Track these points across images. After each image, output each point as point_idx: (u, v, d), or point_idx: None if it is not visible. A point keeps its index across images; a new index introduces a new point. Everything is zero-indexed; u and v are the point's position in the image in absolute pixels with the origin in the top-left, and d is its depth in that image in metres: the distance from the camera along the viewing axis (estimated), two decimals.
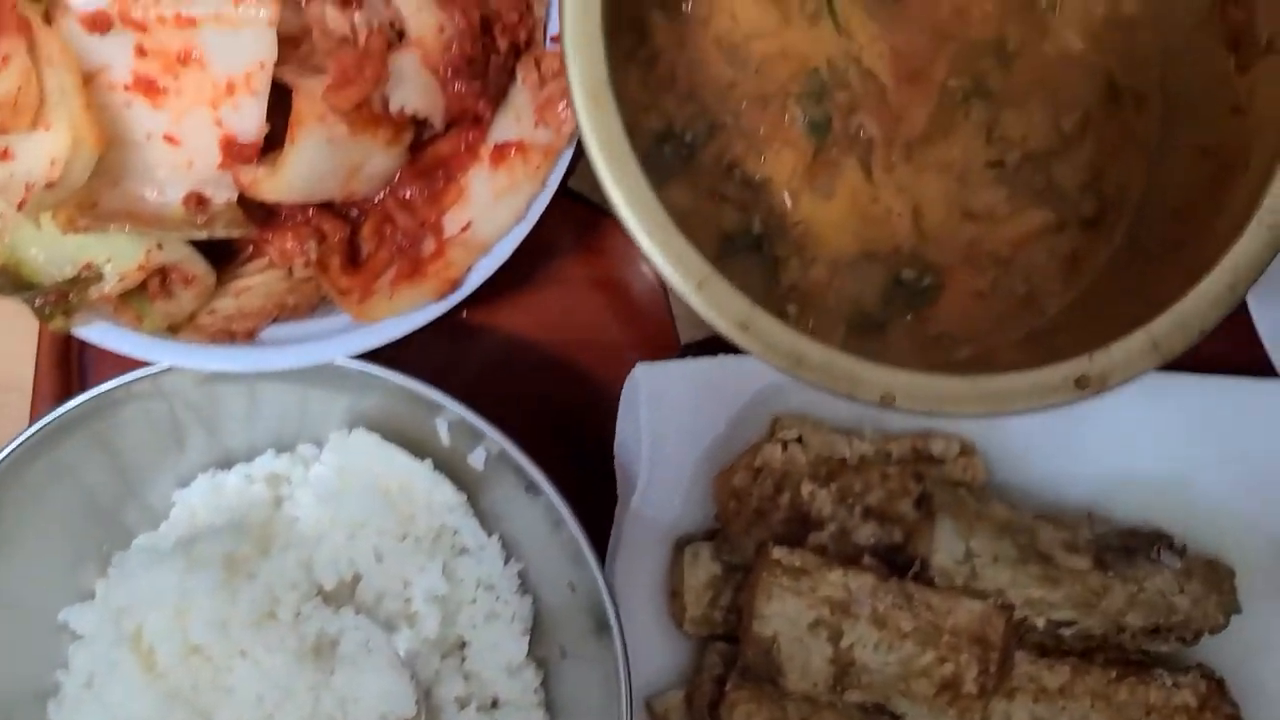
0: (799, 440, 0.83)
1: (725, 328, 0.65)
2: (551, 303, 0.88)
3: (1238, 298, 0.67)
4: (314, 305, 0.75)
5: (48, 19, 0.64)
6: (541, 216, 0.74)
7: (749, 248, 0.81)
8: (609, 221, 0.87)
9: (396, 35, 0.69)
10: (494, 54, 0.71)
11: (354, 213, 0.75)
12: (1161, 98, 0.82)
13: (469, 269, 0.72)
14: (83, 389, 0.77)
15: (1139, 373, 0.67)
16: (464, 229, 0.71)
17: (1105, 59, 0.82)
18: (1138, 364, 0.67)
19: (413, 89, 0.68)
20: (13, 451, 0.75)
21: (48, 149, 0.65)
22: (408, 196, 0.72)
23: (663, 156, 0.80)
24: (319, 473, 0.81)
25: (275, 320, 0.74)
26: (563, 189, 0.78)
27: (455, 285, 0.71)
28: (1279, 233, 0.67)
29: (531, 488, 0.75)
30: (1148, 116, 0.82)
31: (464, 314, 0.89)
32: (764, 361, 0.65)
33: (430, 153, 0.73)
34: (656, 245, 0.65)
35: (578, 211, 0.86)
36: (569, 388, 0.88)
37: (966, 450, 0.85)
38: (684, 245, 0.65)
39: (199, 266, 0.71)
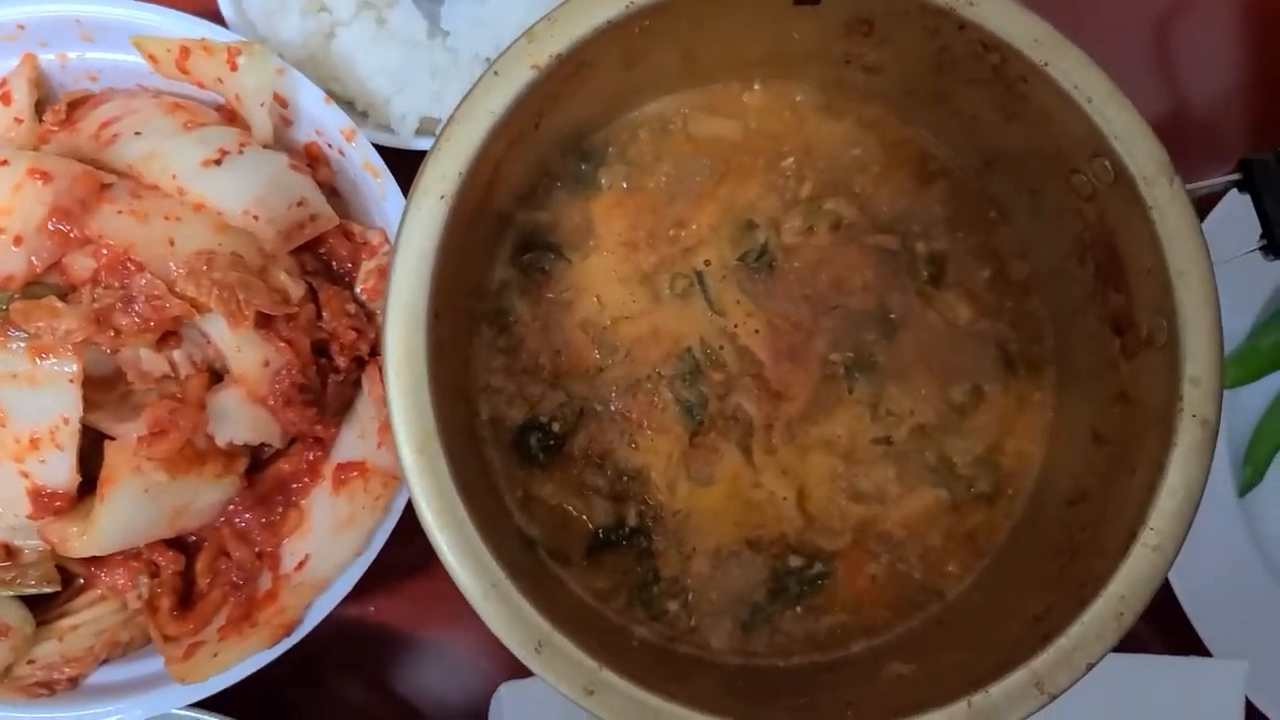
0: None
1: (569, 694, 0.60)
2: (420, 593, 0.83)
3: (1125, 626, 0.63)
4: (149, 637, 0.70)
5: None
6: None
7: (622, 542, 0.76)
8: None
9: (223, 368, 0.65)
10: (333, 373, 0.66)
11: (191, 539, 0.70)
12: (1057, 370, 0.78)
13: (306, 608, 0.66)
14: None
15: (1023, 716, 0.62)
16: (300, 564, 0.66)
17: (995, 326, 0.79)
18: (1021, 707, 0.62)
19: (239, 423, 0.64)
20: None
21: None
22: (243, 525, 0.67)
23: (529, 448, 0.76)
24: None
25: (104, 662, 0.69)
26: None
27: (291, 629, 0.66)
28: (1164, 555, 0.63)
29: None
30: (1043, 387, 0.78)
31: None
32: None
33: (271, 473, 0.69)
34: (488, 603, 0.60)
35: None
36: (443, 690, 0.83)
37: None
38: (522, 603, 0.61)
39: (15, 616, 0.66)
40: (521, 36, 0.64)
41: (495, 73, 0.64)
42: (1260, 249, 0.69)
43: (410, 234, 0.62)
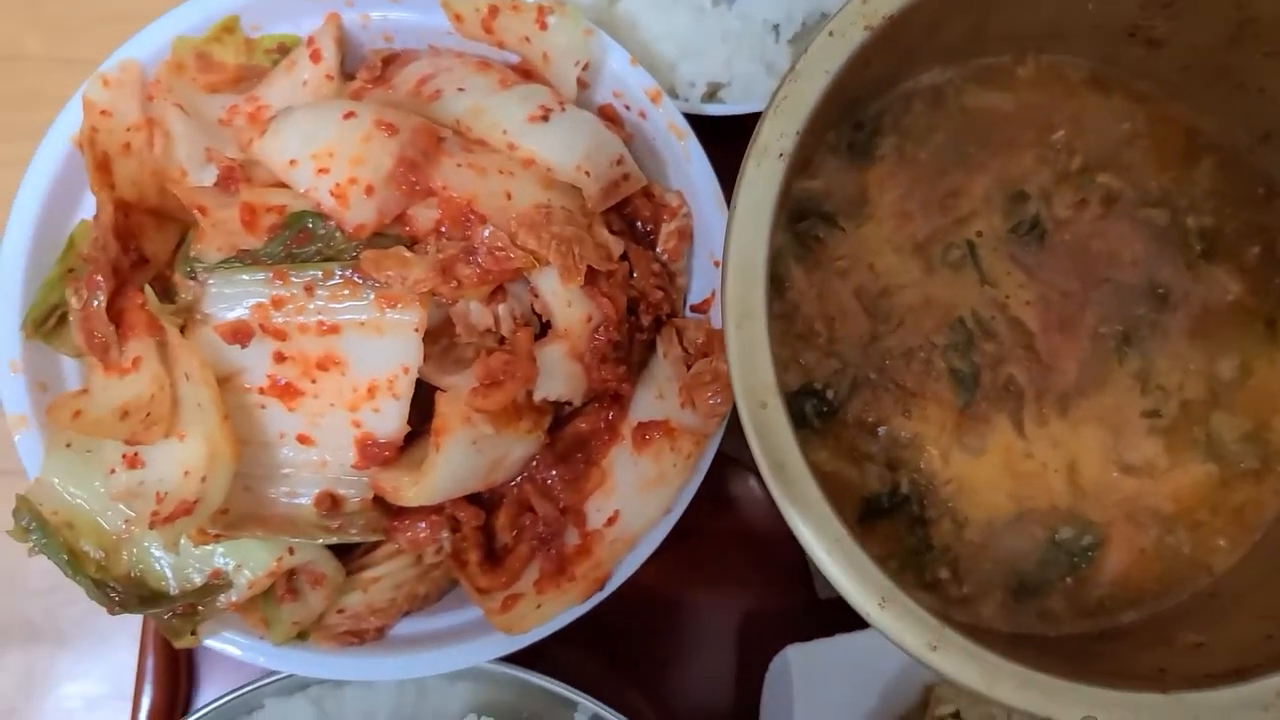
0: (956, 715, 0.77)
1: (912, 649, 0.60)
2: (695, 561, 0.83)
3: None
4: (444, 591, 0.71)
5: (183, 330, 0.61)
6: None
7: (896, 509, 0.76)
8: (739, 469, 0.83)
9: (542, 325, 0.65)
10: (638, 332, 0.67)
11: (486, 495, 0.70)
12: None
13: (617, 564, 0.67)
14: (191, 678, 0.72)
15: None
16: (609, 521, 0.67)
17: (1264, 302, 0.78)
18: None
19: (559, 379, 0.65)
20: None
21: (180, 459, 0.61)
22: (547, 482, 0.67)
23: (804, 415, 0.76)
24: None
25: (406, 614, 0.69)
26: None
27: (603, 584, 0.67)
28: None
29: None
30: None
31: None
32: (951, 682, 0.60)
33: (569, 432, 0.69)
34: (833, 560, 0.61)
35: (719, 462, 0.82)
36: (709, 659, 0.83)
37: None
38: (865, 560, 0.61)
39: (329, 565, 0.67)
40: None
41: (830, 33, 0.64)
42: None
43: (750, 190, 0.63)
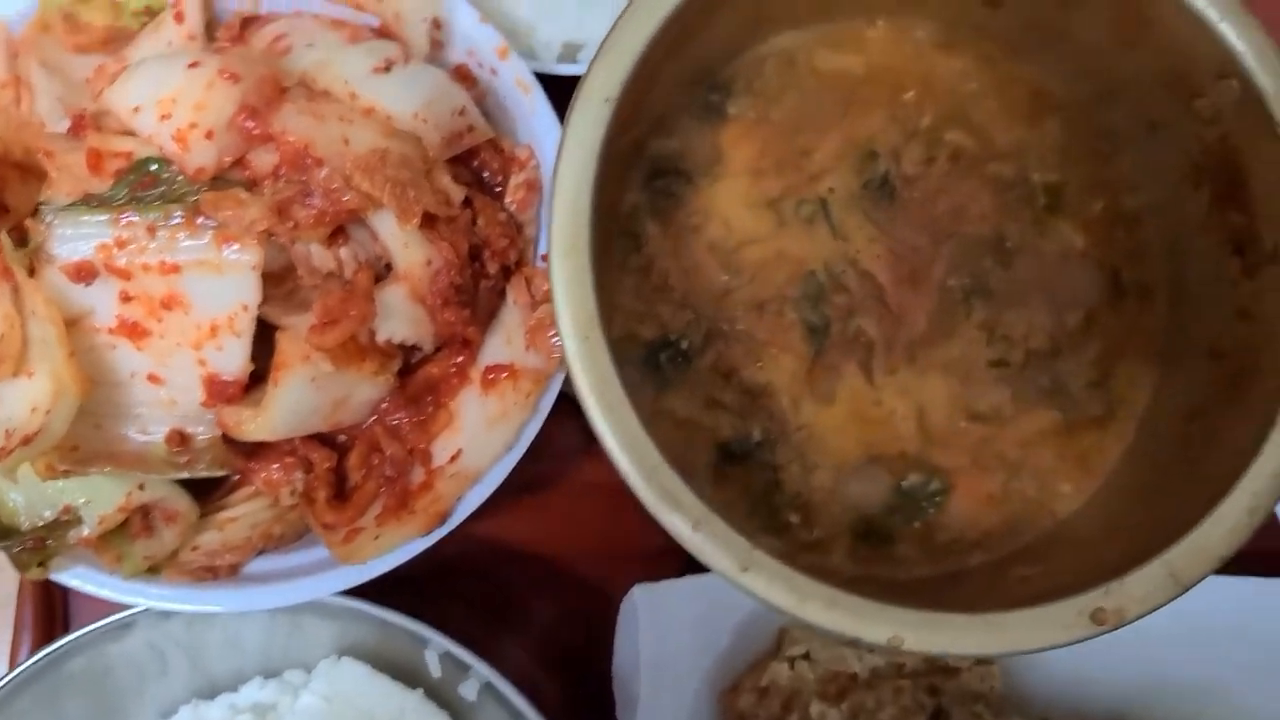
0: (806, 656, 0.80)
1: (723, 570, 0.63)
2: (551, 509, 0.86)
3: (1258, 521, 0.65)
4: (300, 533, 0.73)
5: (31, 269, 0.63)
6: None
7: (748, 455, 0.78)
8: None
9: (384, 268, 0.68)
10: (483, 279, 0.69)
11: (341, 438, 0.73)
12: (1169, 293, 0.80)
13: (458, 500, 0.69)
14: (65, 623, 0.74)
15: (1157, 605, 0.64)
16: (453, 458, 0.69)
17: (1108, 254, 0.81)
18: (1156, 596, 0.64)
19: (401, 320, 0.67)
20: None
21: (29, 396, 0.64)
22: (396, 424, 0.70)
23: (659, 365, 0.79)
24: (307, 702, 0.78)
25: (260, 552, 0.71)
26: (560, 393, 0.76)
27: (443, 518, 0.69)
28: None
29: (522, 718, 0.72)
30: (1155, 312, 0.80)
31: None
32: (764, 605, 0.63)
33: (420, 376, 0.72)
34: (649, 486, 0.63)
35: (575, 415, 0.84)
36: (569, 601, 0.85)
37: (984, 658, 0.81)
38: (679, 485, 0.63)
39: (182, 503, 0.69)
40: None
41: None
42: None
43: (575, 132, 0.65)
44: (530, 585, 0.86)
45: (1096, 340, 0.80)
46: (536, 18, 0.82)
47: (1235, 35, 0.68)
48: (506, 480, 0.74)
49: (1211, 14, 0.69)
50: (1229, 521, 0.64)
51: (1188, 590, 0.64)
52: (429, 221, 0.68)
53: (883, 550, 0.78)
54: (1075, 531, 0.78)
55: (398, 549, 0.69)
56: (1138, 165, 0.81)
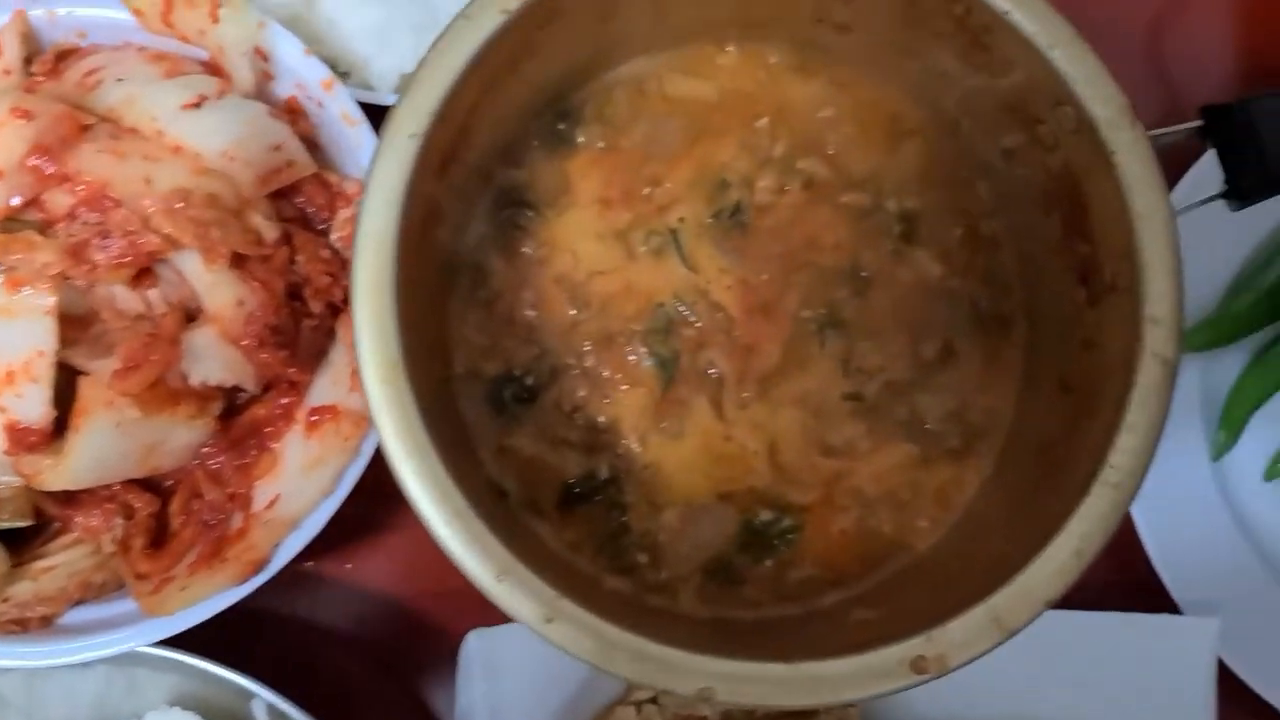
0: (654, 700, 0.77)
1: (527, 621, 0.61)
2: (396, 550, 0.84)
3: (1085, 563, 0.63)
4: (122, 583, 0.71)
5: None
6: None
7: (595, 494, 0.77)
8: None
9: (197, 310, 0.66)
10: (306, 318, 0.67)
11: (167, 482, 0.71)
12: (1026, 323, 0.78)
13: (275, 547, 0.67)
14: None
15: (981, 652, 0.62)
16: (271, 503, 0.67)
17: (966, 283, 0.79)
18: (978, 643, 0.62)
19: (214, 363, 0.65)
20: None
21: None
22: (217, 467, 0.68)
23: (503, 402, 0.77)
24: None
25: (79, 602, 0.69)
26: None
27: (259, 566, 0.67)
28: (1124, 494, 0.63)
29: None
30: (1013, 342, 0.79)
31: (309, 564, 0.84)
32: (570, 656, 0.61)
33: (246, 418, 0.70)
34: (451, 535, 0.61)
35: None
36: (407, 647, 0.83)
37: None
38: (484, 533, 0.61)
39: None
40: None
41: (466, 17, 0.66)
42: (1222, 196, 0.69)
43: (381, 168, 0.63)
44: (368, 630, 0.84)
45: (954, 371, 0.78)
46: (373, 49, 0.80)
47: (1067, 62, 0.67)
48: (342, 522, 0.72)
49: (1042, 41, 0.67)
50: (1054, 564, 0.62)
51: (1013, 635, 0.62)
52: (239, 261, 0.66)
53: (733, 590, 0.76)
54: (933, 569, 0.76)
55: (208, 600, 0.67)
56: (995, 191, 0.79)
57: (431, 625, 0.83)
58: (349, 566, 0.85)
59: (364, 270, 0.62)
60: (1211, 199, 0.69)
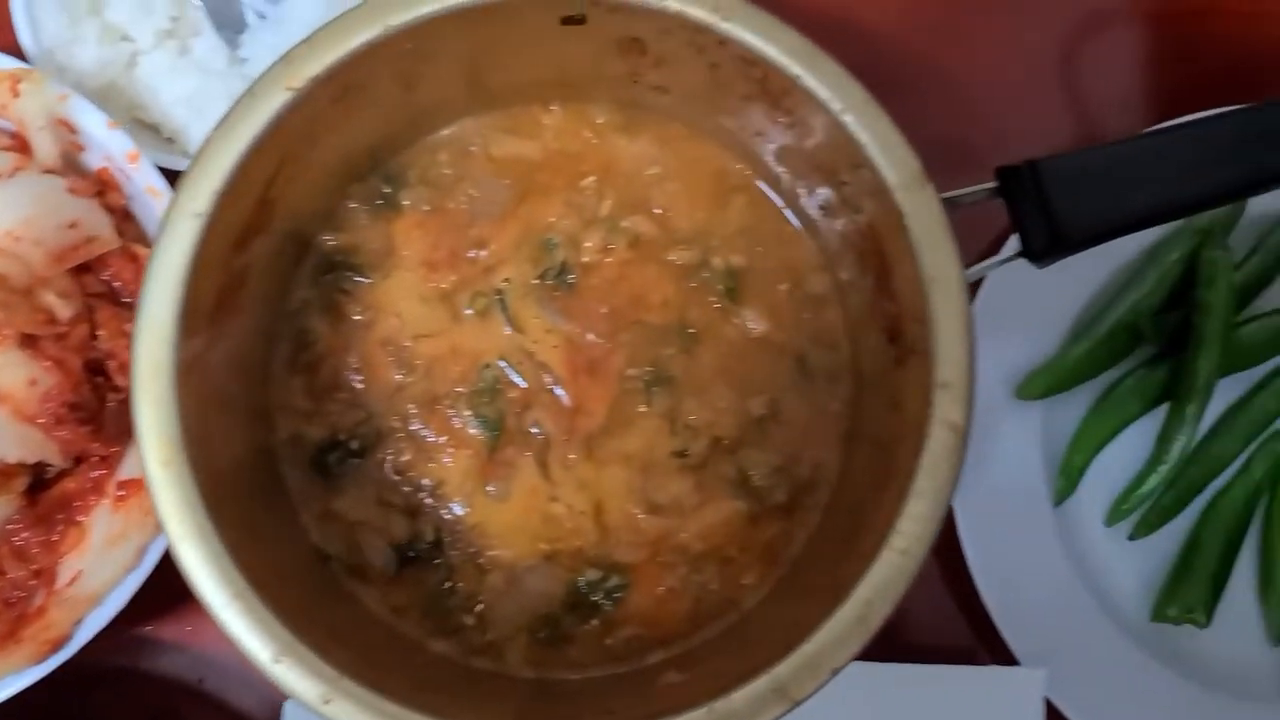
0: None
1: (306, 701, 0.61)
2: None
3: (871, 631, 0.63)
4: None
5: None
6: None
7: (422, 557, 0.77)
8: None
9: None
10: (112, 391, 0.67)
11: None
12: (851, 378, 0.79)
13: (75, 625, 0.67)
14: None
15: None
16: (72, 580, 0.67)
17: (793, 337, 0.79)
18: (763, 711, 0.62)
19: (8, 440, 0.65)
20: None
21: None
22: (21, 544, 0.68)
23: (327, 467, 0.77)
24: None
25: None
26: None
27: (59, 645, 0.67)
28: (911, 558, 0.63)
29: None
30: (839, 397, 0.79)
31: (148, 629, 0.84)
32: None
33: (56, 491, 0.70)
34: (230, 617, 0.61)
35: None
36: (260, 706, 0.83)
37: None
38: (265, 614, 0.61)
39: None
40: (280, 59, 0.66)
41: (252, 95, 0.66)
42: (1021, 255, 0.70)
43: (162, 251, 0.63)
44: (210, 690, 0.84)
45: (782, 427, 0.79)
46: (191, 117, 0.80)
47: (859, 127, 0.67)
48: (176, 586, 0.71)
49: (835, 106, 0.67)
50: (838, 631, 0.62)
51: (799, 705, 0.62)
52: (30, 341, 0.66)
53: (560, 651, 0.76)
54: (758, 629, 0.76)
55: (3, 681, 0.67)
56: (819, 247, 0.80)
57: (270, 686, 0.83)
58: (189, 629, 0.84)
59: (143, 354, 0.62)
60: (1011, 259, 0.69)
